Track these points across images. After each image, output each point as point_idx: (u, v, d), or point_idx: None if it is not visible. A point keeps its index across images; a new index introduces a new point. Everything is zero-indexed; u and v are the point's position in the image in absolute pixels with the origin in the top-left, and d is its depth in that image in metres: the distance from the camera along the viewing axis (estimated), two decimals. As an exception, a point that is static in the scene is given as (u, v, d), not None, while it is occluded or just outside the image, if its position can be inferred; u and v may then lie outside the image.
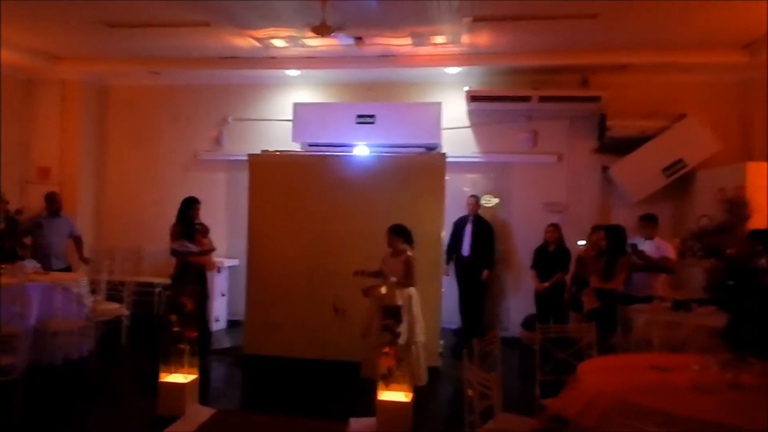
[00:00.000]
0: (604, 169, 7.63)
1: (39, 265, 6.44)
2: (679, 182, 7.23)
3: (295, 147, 7.75)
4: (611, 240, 5.87)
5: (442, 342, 6.50)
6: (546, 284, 7.04)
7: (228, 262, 7.84)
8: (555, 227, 7.18)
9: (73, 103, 8.33)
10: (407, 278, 5.35)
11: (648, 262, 5.86)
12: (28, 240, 6.75)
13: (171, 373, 4.52)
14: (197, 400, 4.63)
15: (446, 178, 6.35)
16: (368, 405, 4.46)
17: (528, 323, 7.31)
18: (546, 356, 3.99)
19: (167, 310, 4.53)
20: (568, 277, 6.95)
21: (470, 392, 3.09)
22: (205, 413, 4.52)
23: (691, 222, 5.53)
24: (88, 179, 8.55)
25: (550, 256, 7.13)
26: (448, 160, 6.45)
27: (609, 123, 7.37)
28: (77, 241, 7.17)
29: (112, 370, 5.82)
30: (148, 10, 5.95)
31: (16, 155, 8.26)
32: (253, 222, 6.38)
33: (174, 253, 6.38)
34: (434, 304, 6.16)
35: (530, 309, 7.37)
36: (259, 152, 6.67)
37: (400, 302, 5.09)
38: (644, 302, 5.53)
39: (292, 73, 7.89)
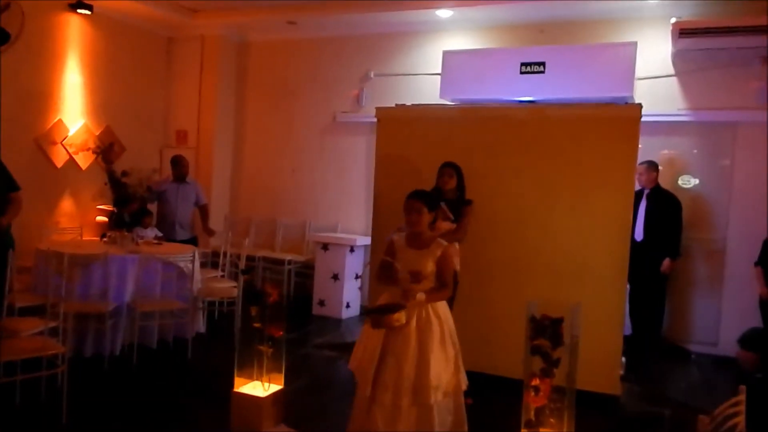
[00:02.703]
0: None
1: (161, 234, 5.93)
2: None
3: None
4: None
5: (623, 360, 4.82)
6: None
7: (362, 240, 6.77)
8: None
9: (211, 60, 7.75)
10: (448, 286, 3.26)
11: None
12: (153, 207, 6.29)
13: (249, 381, 3.50)
14: (281, 418, 3.54)
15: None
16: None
17: (749, 341, 5.29)
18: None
19: (246, 299, 3.47)
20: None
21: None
22: (287, 438, 3.45)
23: None
24: (225, 144, 7.97)
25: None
26: (642, 119, 4.66)
27: None
28: (203, 209, 6.56)
29: (206, 362, 4.94)
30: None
31: (158, 119, 7.94)
32: (380, 192, 5.13)
33: None
34: (617, 309, 4.50)
35: (751, 320, 5.35)
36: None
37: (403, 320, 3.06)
38: None
39: (443, 13, 6.51)
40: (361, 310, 6.84)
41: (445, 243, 3.26)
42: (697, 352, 5.90)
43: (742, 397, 2.06)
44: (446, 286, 3.25)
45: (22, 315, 4.20)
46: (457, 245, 4.29)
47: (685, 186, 6.06)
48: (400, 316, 3.06)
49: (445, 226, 4.28)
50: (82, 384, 4.08)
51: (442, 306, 3.27)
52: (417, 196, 3.32)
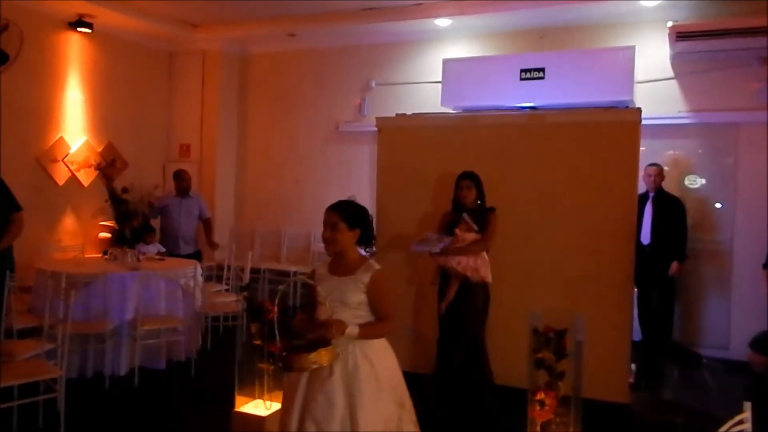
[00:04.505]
0: None
1: (164, 250, 5.92)
2: None
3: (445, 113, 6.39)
4: None
5: (633, 366, 4.76)
6: None
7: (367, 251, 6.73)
8: None
9: (213, 74, 7.77)
10: (388, 320, 2.58)
11: None
12: (155, 222, 6.30)
13: (251, 399, 3.46)
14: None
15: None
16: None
17: (760, 344, 5.23)
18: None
19: (247, 316, 3.45)
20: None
21: None
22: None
23: None
24: (228, 156, 7.97)
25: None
26: (642, 122, 4.60)
27: None
28: (207, 223, 6.55)
29: (209, 379, 4.85)
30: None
31: (161, 133, 7.95)
32: (383, 202, 5.11)
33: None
34: (624, 315, 4.45)
35: (763, 322, 5.28)
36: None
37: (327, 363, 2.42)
38: None
39: (442, 22, 6.52)
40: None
41: (376, 266, 2.60)
42: (709, 356, 5.82)
43: (748, 414, 2.00)
44: (386, 319, 2.56)
45: (22, 337, 4.16)
46: (485, 255, 4.20)
47: (692, 186, 6.01)
48: (319, 356, 2.32)
49: (470, 237, 4.18)
50: (82, 406, 4.04)
51: (379, 347, 2.58)
52: (334, 208, 2.64)
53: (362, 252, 2.69)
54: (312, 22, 6.94)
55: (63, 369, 3.55)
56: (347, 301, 2.52)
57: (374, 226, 3.84)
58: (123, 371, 4.68)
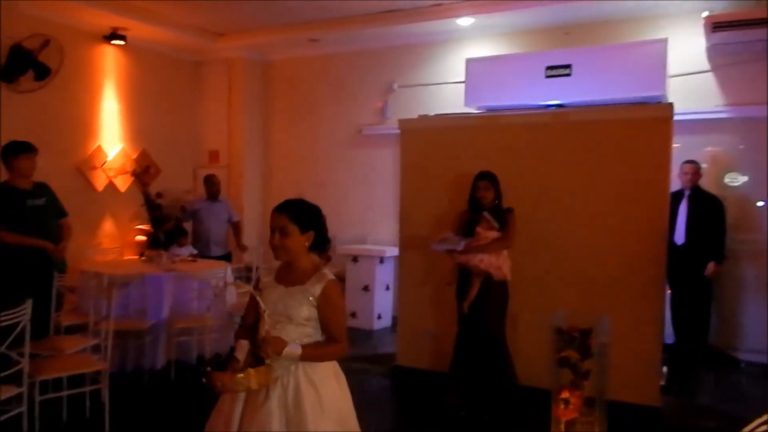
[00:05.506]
0: None
1: (196, 252, 6.06)
2: None
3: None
4: None
5: (665, 369, 4.64)
6: None
7: (391, 251, 6.75)
8: None
9: (238, 81, 7.93)
10: (338, 341, 2.21)
11: None
12: (188, 226, 6.45)
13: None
14: None
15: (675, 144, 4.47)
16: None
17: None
18: None
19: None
20: None
21: None
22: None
23: None
24: (255, 160, 8.14)
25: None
26: (677, 117, 4.50)
27: None
28: (236, 226, 6.68)
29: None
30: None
31: (191, 140, 8.15)
32: (406, 204, 5.12)
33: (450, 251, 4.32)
34: (655, 316, 4.32)
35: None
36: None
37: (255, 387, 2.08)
38: None
39: (464, 21, 6.48)
40: (393, 321, 6.77)
41: (330, 276, 2.22)
42: (747, 360, 5.57)
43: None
44: (335, 340, 2.19)
45: (69, 333, 4.46)
46: (506, 252, 4.22)
47: (733, 184, 5.79)
48: (247, 378, 1.98)
49: (492, 235, 4.19)
50: (124, 397, 4.25)
51: (327, 371, 2.21)
52: (281, 209, 2.23)
53: (317, 258, 2.31)
54: (332, 26, 7.00)
55: (107, 363, 3.81)
56: (293, 316, 2.15)
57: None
58: (159, 365, 4.91)
